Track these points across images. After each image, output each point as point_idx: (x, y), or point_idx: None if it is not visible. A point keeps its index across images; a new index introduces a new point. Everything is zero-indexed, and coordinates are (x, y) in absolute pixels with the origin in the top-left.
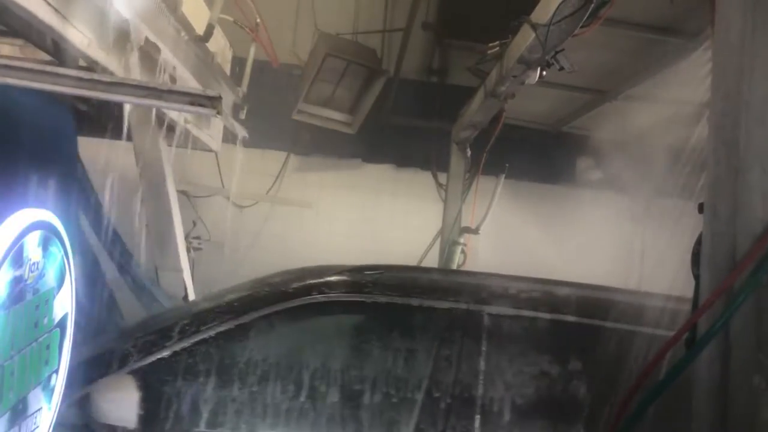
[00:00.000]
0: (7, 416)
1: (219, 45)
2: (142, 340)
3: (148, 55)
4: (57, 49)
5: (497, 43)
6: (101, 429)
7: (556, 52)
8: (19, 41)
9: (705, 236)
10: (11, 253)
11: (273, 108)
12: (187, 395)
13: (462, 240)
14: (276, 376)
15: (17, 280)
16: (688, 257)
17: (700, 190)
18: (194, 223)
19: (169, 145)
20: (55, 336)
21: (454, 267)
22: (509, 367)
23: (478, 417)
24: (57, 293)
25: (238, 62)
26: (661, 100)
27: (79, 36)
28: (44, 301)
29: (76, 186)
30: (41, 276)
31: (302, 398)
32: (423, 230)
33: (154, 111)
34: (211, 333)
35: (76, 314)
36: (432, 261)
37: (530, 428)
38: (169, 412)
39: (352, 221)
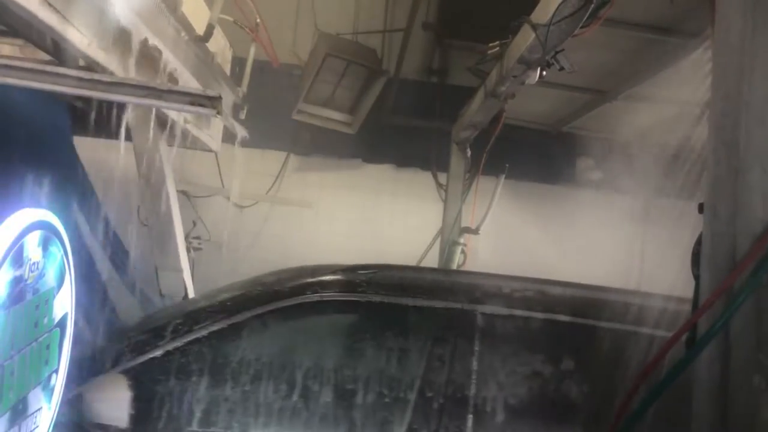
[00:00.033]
0: (7, 416)
1: (219, 45)
2: (135, 340)
3: (148, 55)
4: (57, 49)
5: (497, 43)
6: (93, 428)
7: (556, 53)
8: (19, 41)
9: (705, 236)
10: (11, 253)
11: (273, 108)
12: (180, 395)
13: (462, 240)
14: (269, 375)
15: (17, 280)
16: (688, 257)
17: (700, 190)
18: (194, 223)
19: (169, 145)
20: (55, 336)
21: (454, 267)
22: (502, 367)
23: (470, 416)
24: (57, 293)
25: (238, 62)
26: (661, 101)
27: (79, 36)
28: (44, 300)
29: (72, 184)
30: (41, 276)
31: (295, 398)
32: (423, 230)
33: (154, 111)
34: (204, 332)
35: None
36: (432, 261)
37: (522, 428)
38: (161, 411)
39: (352, 221)
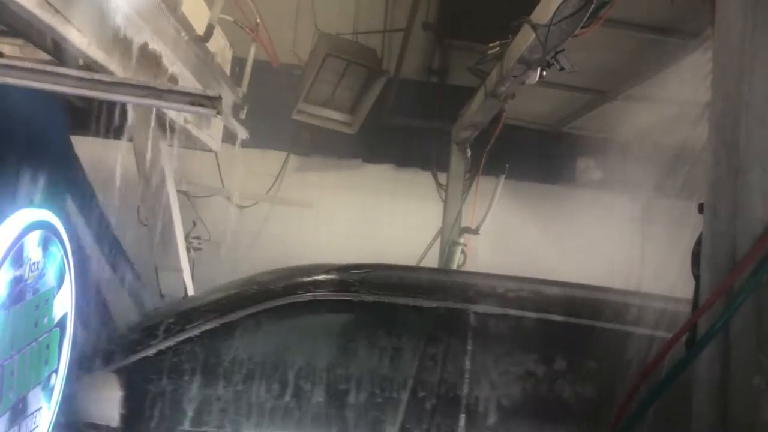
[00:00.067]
0: (7, 415)
1: (219, 45)
2: (128, 339)
3: (148, 54)
4: (57, 49)
5: (497, 43)
6: (84, 427)
7: (557, 53)
8: (19, 41)
9: (705, 236)
10: (11, 253)
11: (273, 108)
12: (172, 394)
13: (462, 240)
14: (262, 375)
15: (17, 280)
16: (688, 258)
17: (700, 191)
18: (194, 223)
19: (169, 145)
20: (54, 336)
21: (455, 267)
22: (495, 366)
23: (463, 416)
24: (57, 293)
25: (238, 62)
26: (661, 101)
27: (79, 36)
28: (44, 300)
29: (69, 182)
30: (41, 276)
31: (288, 397)
32: (423, 230)
33: (154, 111)
34: (197, 332)
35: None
36: (432, 261)
37: (515, 427)
38: (153, 411)
39: (352, 221)
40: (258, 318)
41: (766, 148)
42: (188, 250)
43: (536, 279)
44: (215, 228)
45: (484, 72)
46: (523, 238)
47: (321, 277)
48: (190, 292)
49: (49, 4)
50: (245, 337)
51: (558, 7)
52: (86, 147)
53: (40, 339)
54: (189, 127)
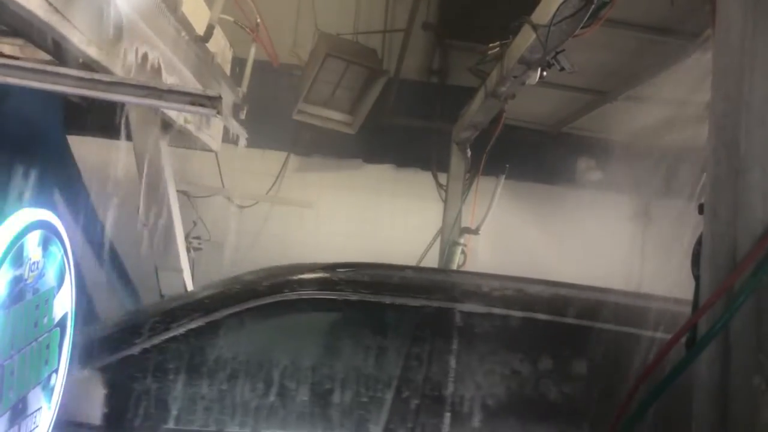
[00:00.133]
0: (7, 416)
1: (219, 45)
2: (111, 337)
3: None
4: (57, 49)
5: (498, 43)
6: (66, 425)
7: (557, 53)
8: (20, 41)
9: (705, 237)
10: (11, 253)
11: (273, 108)
12: (156, 393)
13: (462, 240)
14: (246, 373)
15: (17, 280)
16: (689, 258)
17: (701, 191)
18: (194, 223)
19: (170, 145)
20: (54, 335)
21: (455, 267)
22: (480, 366)
23: (448, 415)
24: (57, 293)
25: (239, 62)
26: (661, 101)
27: (79, 35)
28: (44, 300)
29: (61, 180)
30: (41, 275)
31: (272, 396)
32: (423, 230)
33: (154, 111)
34: (182, 330)
35: None
36: (432, 261)
37: (500, 427)
38: (137, 409)
39: (352, 221)
40: (243, 317)
41: (766, 149)
42: (188, 250)
43: (521, 278)
44: (215, 228)
45: (484, 72)
46: (523, 239)
47: (306, 276)
48: None
49: (50, 4)
50: (230, 335)
51: (558, 8)
52: (87, 147)
53: (40, 339)
54: (189, 127)
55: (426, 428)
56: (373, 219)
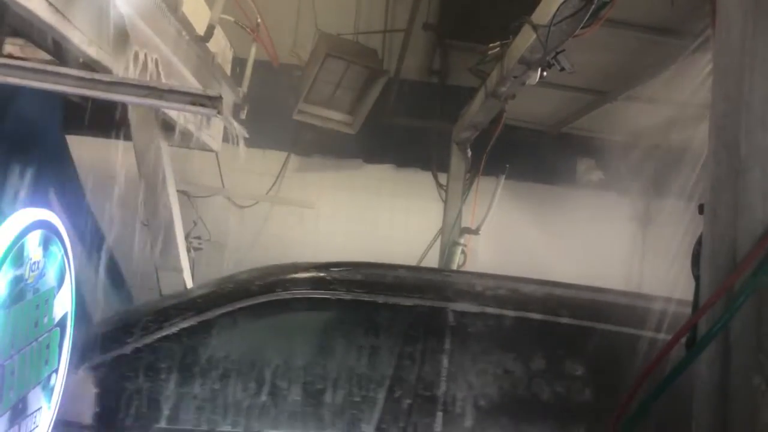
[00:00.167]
0: (7, 415)
1: (219, 45)
2: (103, 337)
3: (149, 54)
4: (57, 49)
5: (498, 43)
6: (56, 424)
7: (557, 53)
8: (20, 41)
9: (705, 237)
10: (12, 253)
11: (273, 108)
12: (148, 392)
13: (462, 240)
14: (239, 372)
15: (18, 280)
16: (689, 258)
17: (701, 191)
18: (194, 223)
19: (170, 145)
20: (55, 335)
21: (455, 267)
22: (473, 365)
23: (440, 414)
24: (57, 293)
25: (239, 62)
26: (661, 102)
27: (80, 35)
28: (44, 300)
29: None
30: (41, 275)
31: (264, 395)
32: (423, 230)
33: (154, 111)
34: (174, 329)
35: None
36: (432, 261)
37: (492, 426)
38: (129, 409)
39: (352, 221)
40: (236, 316)
41: (766, 149)
42: (188, 250)
43: (515, 277)
44: (215, 228)
45: (484, 72)
46: (523, 239)
47: (299, 275)
48: None
49: (50, 4)
50: (223, 334)
51: (558, 8)
52: (87, 147)
53: (40, 339)
54: (189, 127)
55: (418, 427)
56: (373, 219)
